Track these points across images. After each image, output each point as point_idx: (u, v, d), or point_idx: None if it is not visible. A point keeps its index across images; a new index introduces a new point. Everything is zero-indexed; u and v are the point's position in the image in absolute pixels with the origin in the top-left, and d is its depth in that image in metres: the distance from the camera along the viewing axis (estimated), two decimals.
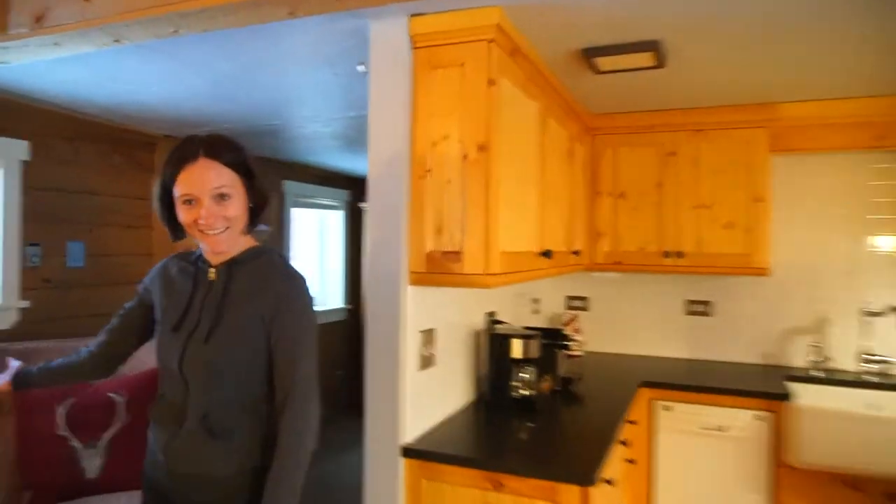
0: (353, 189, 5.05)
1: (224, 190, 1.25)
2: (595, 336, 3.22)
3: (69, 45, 1.88)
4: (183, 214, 1.27)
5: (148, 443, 1.41)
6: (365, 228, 1.74)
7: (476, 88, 1.65)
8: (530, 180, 2.02)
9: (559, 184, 2.38)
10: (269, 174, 4.17)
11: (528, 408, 2.08)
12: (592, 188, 2.94)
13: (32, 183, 2.72)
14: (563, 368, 2.36)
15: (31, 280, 2.71)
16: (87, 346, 1.49)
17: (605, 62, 2.04)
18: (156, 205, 1.32)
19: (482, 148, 1.65)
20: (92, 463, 2.21)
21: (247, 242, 1.38)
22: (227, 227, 1.28)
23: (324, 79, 2.27)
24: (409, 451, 1.70)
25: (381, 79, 1.74)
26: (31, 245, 2.72)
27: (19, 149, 2.65)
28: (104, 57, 2.05)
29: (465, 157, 1.67)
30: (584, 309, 3.26)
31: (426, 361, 1.83)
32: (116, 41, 1.83)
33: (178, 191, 1.25)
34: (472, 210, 1.65)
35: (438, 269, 1.67)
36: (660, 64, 2.06)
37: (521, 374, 2.09)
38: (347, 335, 5.01)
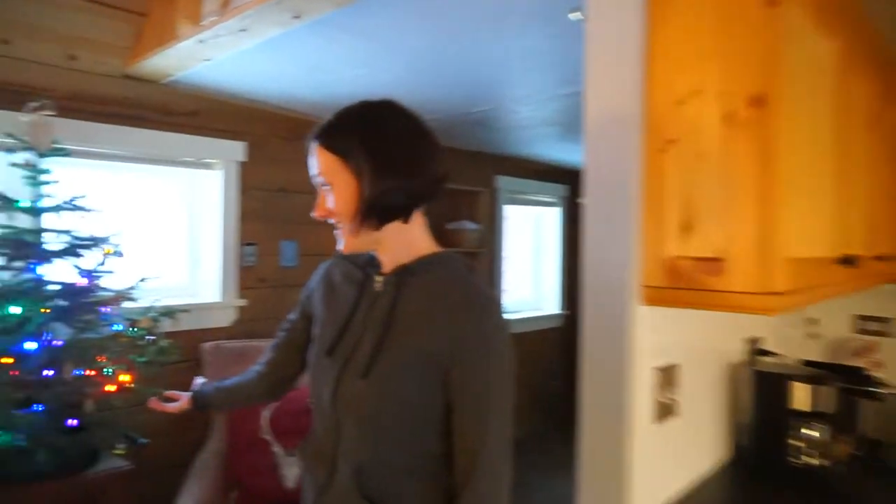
0: (571, 184, 4.59)
1: (323, 178, 1.02)
2: None
3: (255, 28, 1.73)
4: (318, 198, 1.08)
5: (302, 487, 1.14)
6: (583, 229, 1.23)
7: (747, 13, 1.10)
8: (823, 154, 1.39)
9: (861, 160, 1.67)
10: (480, 169, 3.90)
11: (815, 482, 1.45)
12: None
13: (249, 183, 2.75)
14: (869, 425, 1.65)
15: (248, 279, 2.74)
16: (257, 364, 1.28)
17: None
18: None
19: (757, 102, 1.09)
20: (291, 471, 2.08)
21: (423, 246, 1.07)
22: (337, 223, 1.03)
23: (533, 43, 1.87)
24: None
25: (602, 22, 1.27)
26: (248, 245, 2.76)
27: (237, 150, 2.69)
28: (295, 43, 1.89)
29: (729, 117, 1.11)
30: (884, 334, 2.40)
31: (664, 410, 1.32)
32: (296, 17, 1.62)
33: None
34: (741, 196, 1.10)
35: (686, 284, 1.15)
36: None
37: (804, 432, 1.46)
38: (563, 342, 4.57)
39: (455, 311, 0.98)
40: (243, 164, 2.71)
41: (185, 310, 2.08)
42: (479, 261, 3.61)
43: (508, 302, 4.25)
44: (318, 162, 1.01)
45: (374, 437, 0.99)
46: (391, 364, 0.98)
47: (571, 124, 2.94)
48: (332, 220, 1.03)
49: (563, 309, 4.59)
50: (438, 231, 3.60)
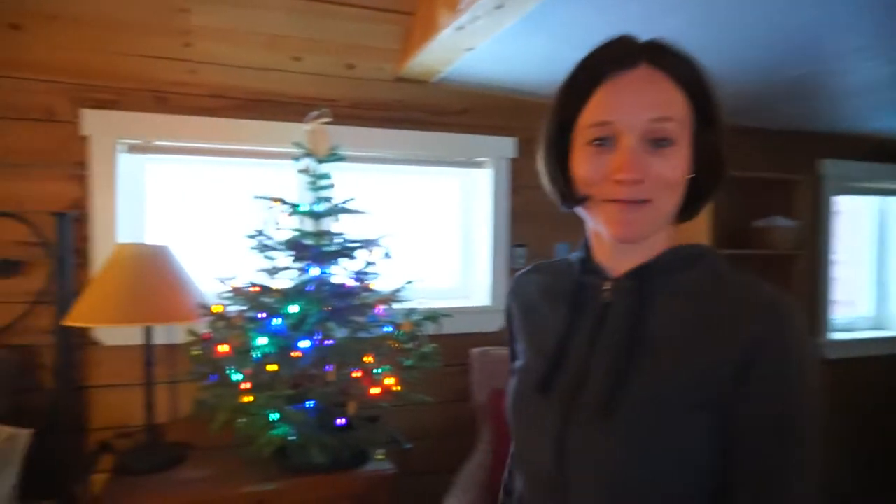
0: None
1: (667, 127, 0.71)
2: None
3: (510, 3, 1.54)
4: (584, 162, 0.75)
5: None
6: None
7: None
8: None
9: None
10: (797, 151, 3.16)
11: None
12: None
13: (520, 181, 2.60)
14: None
15: None
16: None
17: None
18: (542, 152, 0.82)
19: None
20: None
21: (667, 239, 0.80)
22: (650, 201, 0.72)
23: None
24: None
25: None
26: (518, 246, 2.61)
27: (506, 146, 2.56)
28: (557, 15, 1.64)
29: None
30: None
31: None
32: None
33: (588, 118, 0.74)
34: None
35: None
36: None
37: None
38: None
39: (736, 319, 0.69)
40: (513, 161, 2.57)
41: (448, 314, 1.99)
42: (797, 265, 2.91)
43: (840, 317, 3.38)
44: (664, 100, 0.71)
45: None
46: (643, 401, 0.70)
47: None
48: (639, 197, 0.71)
49: None
50: (742, 229, 2.98)
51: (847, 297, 3.50)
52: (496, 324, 2.55)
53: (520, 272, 0.96)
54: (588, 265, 0.83)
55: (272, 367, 1.74)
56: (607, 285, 0.80)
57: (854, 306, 3.54)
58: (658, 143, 0.71)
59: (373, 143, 2.31)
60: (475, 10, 1.61)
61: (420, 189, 2.59)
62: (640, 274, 0.78)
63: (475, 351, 2.43)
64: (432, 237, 2.61)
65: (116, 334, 2.06)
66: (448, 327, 2.04)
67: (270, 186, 2.26)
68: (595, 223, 0.78)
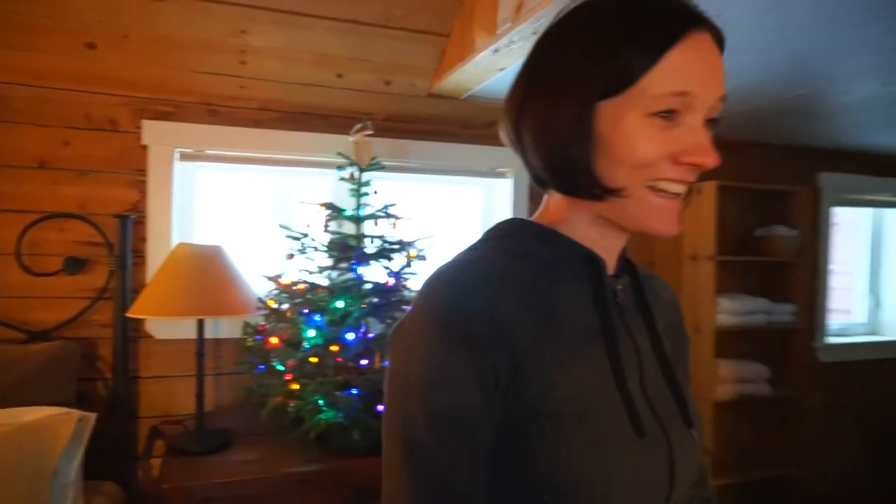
0: None
1: (720, 109, 0.62)
2: None
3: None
4: (643, 136, 0.59)
5: None
6: None
7: None
8: None
9: None
10: (797, 164, 3.34)
11: None
12: None
13: (537, 190, 2.76)
14: None
15: None
16: None
17: None
18: (563, 118, 0.62)
19: None
20: None
21: None
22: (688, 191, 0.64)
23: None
24: None
25: None
26: None
27: None
28: None
29: None
30: None
31: None
32: None
33: (662, 82, 0.58)
34: None
35: None
36: None
37: None
38: None
39: (674, 297, 0.84)
40: None
41: None
42: (796, 274, 3.09)
43: (836, 323, 3.56)
44: (723, 78, 0.63)
45: None
46: (691, 399, 0.74)
47: None
48: (685, 188, 0.63)
49: None
50: (745, 237, 3.16)
51: (843, 304, 3.68)
52: None
53: (492, 250, 0.69)
54: (578, 250, 0.68)
55: (313, 360, 1.91)
56: (619, 284, 0.71)
57: (849, 313, 3.72)
58: (710, 123, 0.63)
59: (405, 153, 2.48)
60: (512, 35, 1.79)
61: (446, 197, 2.77)
62: (628, 269, 0.75)
63: None
64: (457, 242, 2.78)
65: (167, 328, 2.22)
66: None
67: (310, 192, 2.43)
68: (619, 214, 0.65)
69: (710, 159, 0.60)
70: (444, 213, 2.75)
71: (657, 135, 0.59)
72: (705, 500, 0.81)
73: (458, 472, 0.57)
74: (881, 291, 3.76)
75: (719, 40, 0.63)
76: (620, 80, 0.59)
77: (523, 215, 2.51)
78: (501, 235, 0.71)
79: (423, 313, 0.60)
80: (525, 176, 2.66)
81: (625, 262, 0.74)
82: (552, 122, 0.63)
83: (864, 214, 3.76)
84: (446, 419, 0.57)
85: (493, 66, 2.08)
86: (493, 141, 2.63)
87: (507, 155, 2.64)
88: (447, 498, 0.57)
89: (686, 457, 0.67)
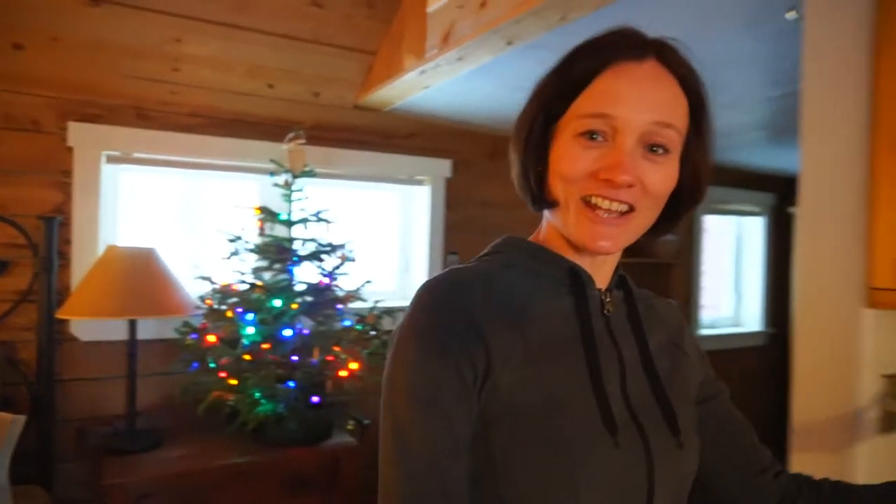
0: (778, 192, 4.27)
1: (668, 134, 0.65)
2: None
3: (470, 56, 1.93)
4: (568, 154, 0.66)
5: None
6: (796, 237, 1.21)
7: None
8: None
9: None
10: None
11: None
12: None
13: (453, 198, 2.99)
14: None
15: None
16: None
17: None
18: (518, 143, 0.72)
19: None
20: None
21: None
22: (634, 210, 0.66)
23: (740, 46, 1.85)
24: None
25: (822, 20, 1.26)
26: (451, 253, 3.01)
27: (444, 167, 2.95)
28: (504, 66, 2.06)
29: None
30: None
31: (892, 421, 1.25)
32: (509, 43, 1.79)
33: (584, 106, 0.65)
34: None
35: None
36: None
37: None
38: (766, 365, 4.23)
39: (679, 318, 0.84)
40: (448, 180, 2.97)
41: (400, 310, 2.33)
42: (675, 274, 3.52)
43: (707, 317, 4.06)
44: (670, 103, 0.66)
45: None
46: (682, 405, 0.74)
47: (781, 127, 2.78)
48: (622, 206, 0.65)
49: (766, 326, 4.27)
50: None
51: (712, 300, 4.20)
52: None
53: (476, 264, 0.75)
54: (562, 264, 0.72)
55: (247, 357, 2.01)
56: (607, 297, 0.73)
57: (718, 308, 4.26)
58: (653, 148, 0.65)
59: (332, 161, 2.62)
60: (439, 60, 1.99)
61: (368, 202, 2.93)
62: (620, 283, 0.77)
63: None
64: (378, 244, 2.95)
65: (93, 330, 2.22)
66: (391, 325, 2.39)
67: (237, 197, 2.51)
68: (563, 227, 0.69)
69: (617, 174, 0.63)
70: (366, 217, 2.91)
71: (581, 153, 0.65)
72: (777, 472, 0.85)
73: (442, 460, 0.63)
74: (742, 289, 4.33)
75: (672, 68, 0.67)
76: (561, 105, 0.67)
77: (441, 221, 2.73)
78: (494, 251, 0.77)
79: (410, 317, 0.66)
80: (442, 183, 2.93)
81: (619, 278, 0.77)
82: (519, 143, 0.72)
83: (729, 222, 4.30)
84: (430, 413, 0.63)
85: (419, 85, 2.27)
86: (413, 150, 2.85)
87: (424, 164, 2.90)
88: (433, 480, 0.63)
89: (670, 463, 0.68)
